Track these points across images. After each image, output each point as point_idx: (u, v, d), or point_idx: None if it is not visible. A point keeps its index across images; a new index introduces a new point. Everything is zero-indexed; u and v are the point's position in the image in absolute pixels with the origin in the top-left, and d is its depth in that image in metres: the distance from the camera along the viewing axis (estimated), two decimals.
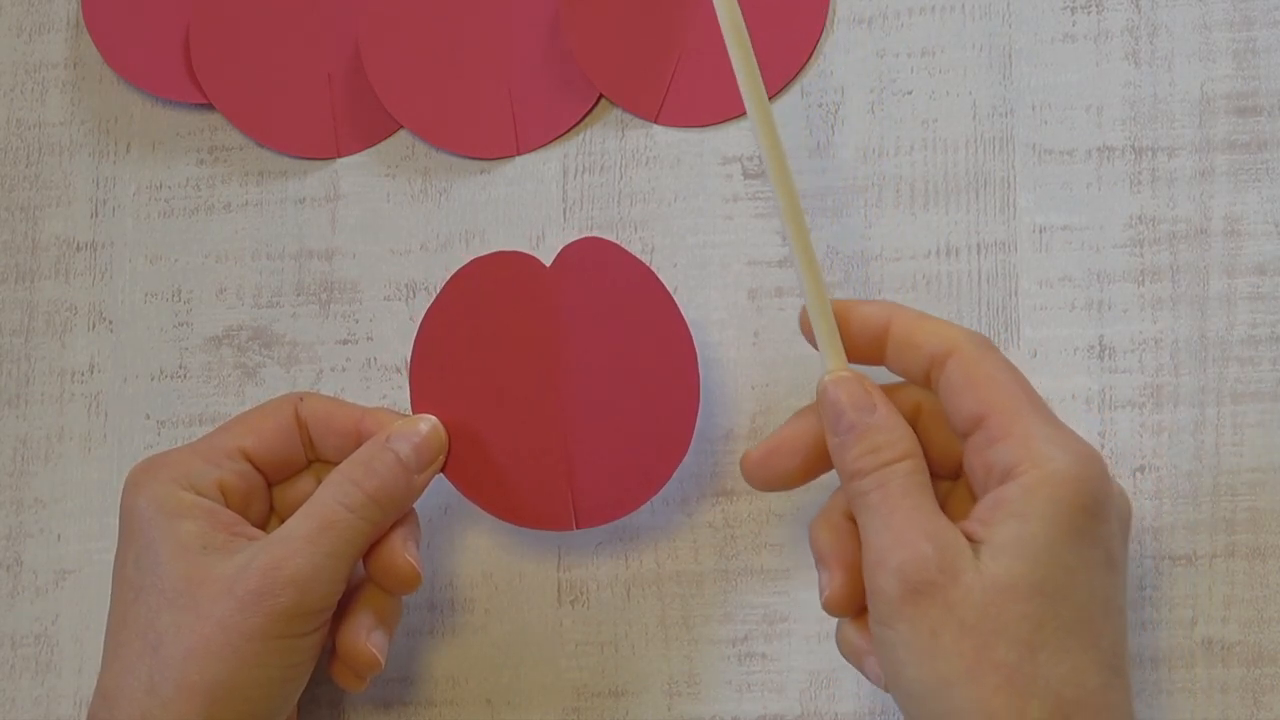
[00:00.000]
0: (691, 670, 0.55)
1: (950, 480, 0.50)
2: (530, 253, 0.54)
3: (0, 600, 0.59)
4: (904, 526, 0.46)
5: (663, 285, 0.53)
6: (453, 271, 0.54)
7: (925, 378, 0.49)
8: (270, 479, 0.54)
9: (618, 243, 0.53)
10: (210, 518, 0.51)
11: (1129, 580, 0.48)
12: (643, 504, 0.53)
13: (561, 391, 0.53)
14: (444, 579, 0.57)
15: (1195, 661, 0.53)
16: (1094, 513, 0.46)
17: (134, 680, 0.50)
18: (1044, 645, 0.45)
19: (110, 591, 0.52)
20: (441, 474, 0.54)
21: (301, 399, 0.54)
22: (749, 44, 0.49)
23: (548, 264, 0.54)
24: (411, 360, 0.54)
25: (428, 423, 0.53)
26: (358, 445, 0.53)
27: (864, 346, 0.50)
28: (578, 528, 0.53)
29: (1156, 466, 0.54)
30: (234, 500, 0.53)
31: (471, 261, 0.54)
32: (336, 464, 0.53)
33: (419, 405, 0.54)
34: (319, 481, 0.54)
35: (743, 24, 0.49)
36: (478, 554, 0.57)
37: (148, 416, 0.59)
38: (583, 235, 0.55)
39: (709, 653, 0.55)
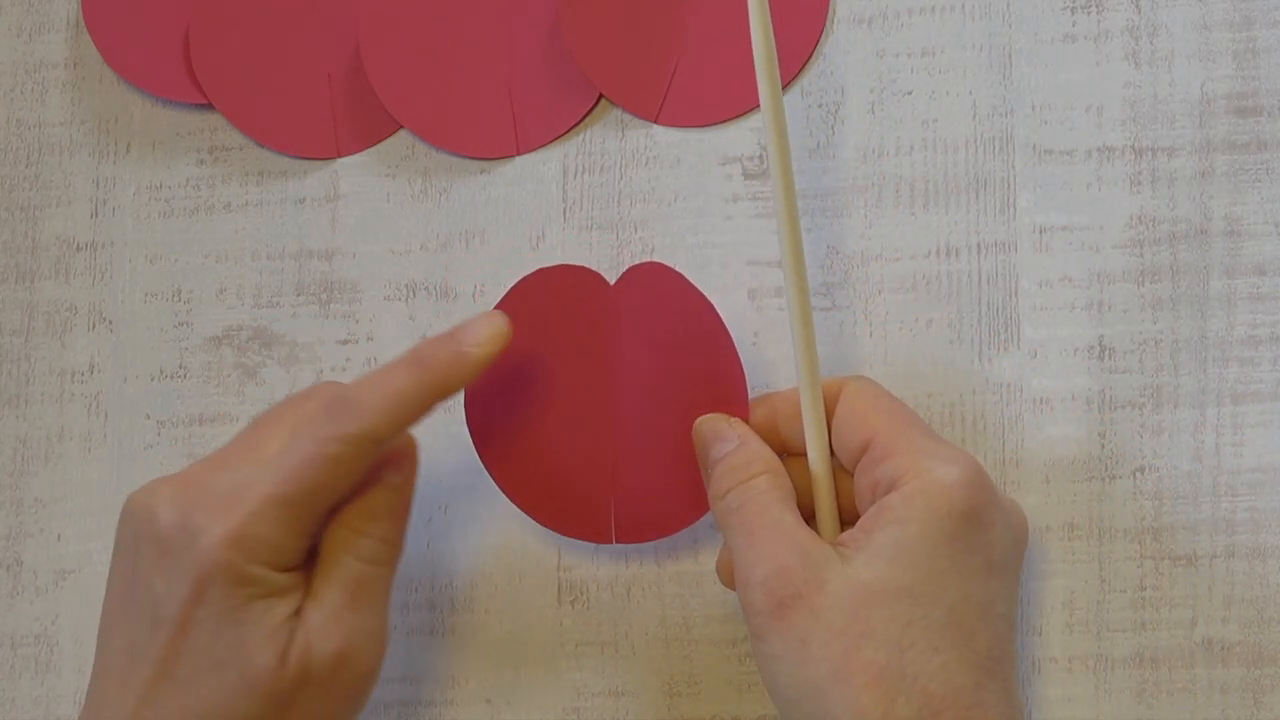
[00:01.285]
0: (691, 670, 0.55)
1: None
2: (596, 270, 0.54)
3: (0, 600, 0.59)
4: (765, 542, 0.48)
5: (719, 318, 0.53)
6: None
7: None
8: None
9: (680, 272, 0.53)
10: (289, 591, 0.49)
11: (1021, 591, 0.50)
12: (684, 527, 0.54)
13: (613, 408, 0.53)
14: (444, 579, 0.57)
15: (1195, 661, 0.53)
16: (972, 520, 0.47)
17: None
18: (913, 644, 0.46)
19: (133, 601, 0.49)
20: (486, 473, 0.54)
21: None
22: (776, 61, 0.51)
23: (611, 282, 0.54)
24: None
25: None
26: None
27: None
28: (616, 542, 0.54)
29: (1156, 466, 0.54)
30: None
31: (537, 271, 0.54)
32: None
33: (472, 406, 0.54)
34: None
35: (772, 37, 0.51)
36: (478, 554, 0.57)
37: (148, 416, 0.59)
38: (645, 259, 0.54)
39: (709, 653, 0.55)
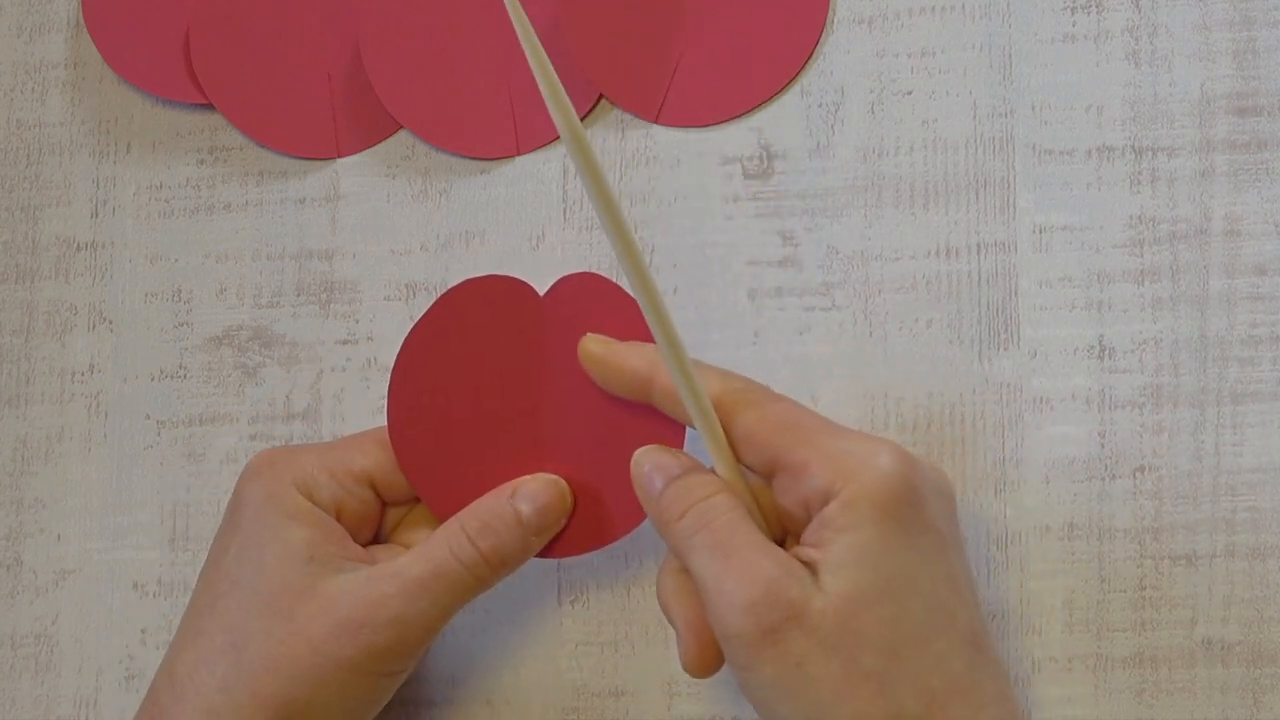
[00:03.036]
0: None
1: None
2: (524, 279, 0.53)
3: (0, 600, 0.59)
4: (743, 564, 0.46)
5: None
6: (449, 277, 0.54)
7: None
8: (387, 502, 0.53)
9: (615, 281, 0.52)
10: (323, 528, 0.51)
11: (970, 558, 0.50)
12: (617, 539, 0.53)
13: (542, 422, 0.53)
14: None
15: (1195, 661, 0.53)
16: (913, 502, 0.47)
17: (209, 674, 0.49)
18: (905, 642, 0.46)
19: (199, 575, 0.52)
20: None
21: None
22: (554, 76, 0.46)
23: (541, 292, 0.53)
24: (393, 374, 0.53)
25: (557, 487, 0.52)
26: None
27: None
28: (548, 557, 0.53)
29: (1156, 466, 0.54)
30: (347, 522, 0.52)
31: (464, 282, 0.53)
32: None
33: (395, 417, 0.53)
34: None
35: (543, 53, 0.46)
36: None
37: (148, 416, 0.59)
38: (580, 269, 0.54)
39: None
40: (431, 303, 0.53)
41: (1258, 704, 0.52)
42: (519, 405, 0.53)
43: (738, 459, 0.49)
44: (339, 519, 0.52)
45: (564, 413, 0.53)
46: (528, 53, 0.45)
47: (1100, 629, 0.53)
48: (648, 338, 0.50)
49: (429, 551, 0.51)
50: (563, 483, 0.52)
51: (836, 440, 0.48)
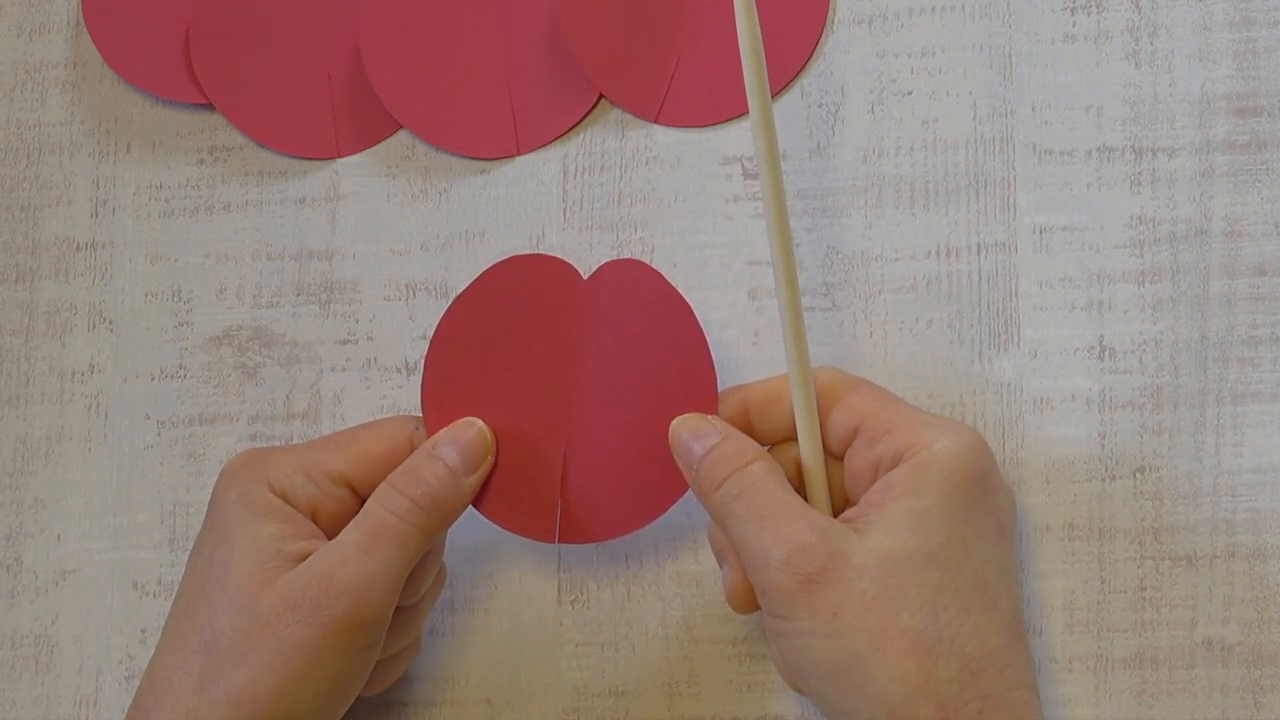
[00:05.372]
0: (691, 670, 0.55)
1: None
2: (572, 264, 0.53)
3: (0, 600, 0.59)
4: (779, 524, 0.48)
5: (694, 317, 0.52)
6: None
7: (793, 428, 0.51)
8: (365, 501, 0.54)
9: (658, 269, 0.53)
10: (292, 524, 0.51)
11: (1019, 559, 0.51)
12: (630, 532, 0.53)
13: (572, 405, 0.53)
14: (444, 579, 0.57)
15: (1195, 662, 0.53)
16: (983, 484, 0.48)
17: (184, 676, 0.50)
18: (946, 608, 0.46)
19: (182, 574, 0.52)
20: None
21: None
22: (764, 64, 0.50)
23: (585, 276, 0.53)
24: (431, 341, 0.53)
25: (473, 426, 0.53)
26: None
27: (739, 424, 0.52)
28: (558, 542, 0.53)
29: (1156, 466, 0.54)
30: (324, 523, 0.52)
31: (509, 258, 0.53)
32: None
33: (430, 392, 0.53)
34: None
35: (760, 40, 0.50)
36: (478, 554, 0.57)
37: (148, 416, 0.59)
38: (621, 255, 0.54)
39: (709, 653, 0.55)
40: (477, 275, 0.53)
41: (1258, 704, 0.52)
42: (549, 385, 0.53)
43: (823, 433, 0.51)
44: (315, 519, 0.52)
45: (594, 396, 0.53)
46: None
47: (1100, 629, 0.53)
48: (683, 324, 0.52)
49: (364, 516, 0.51)
50: (479, 422, 0.53)
51: (920, 414, 0.50)
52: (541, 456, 0.53)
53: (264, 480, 0.51)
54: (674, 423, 0.52)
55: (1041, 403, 0.54)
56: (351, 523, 0.51)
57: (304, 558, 0.50)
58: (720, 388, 0.53)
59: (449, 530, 0.53)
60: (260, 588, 0.50)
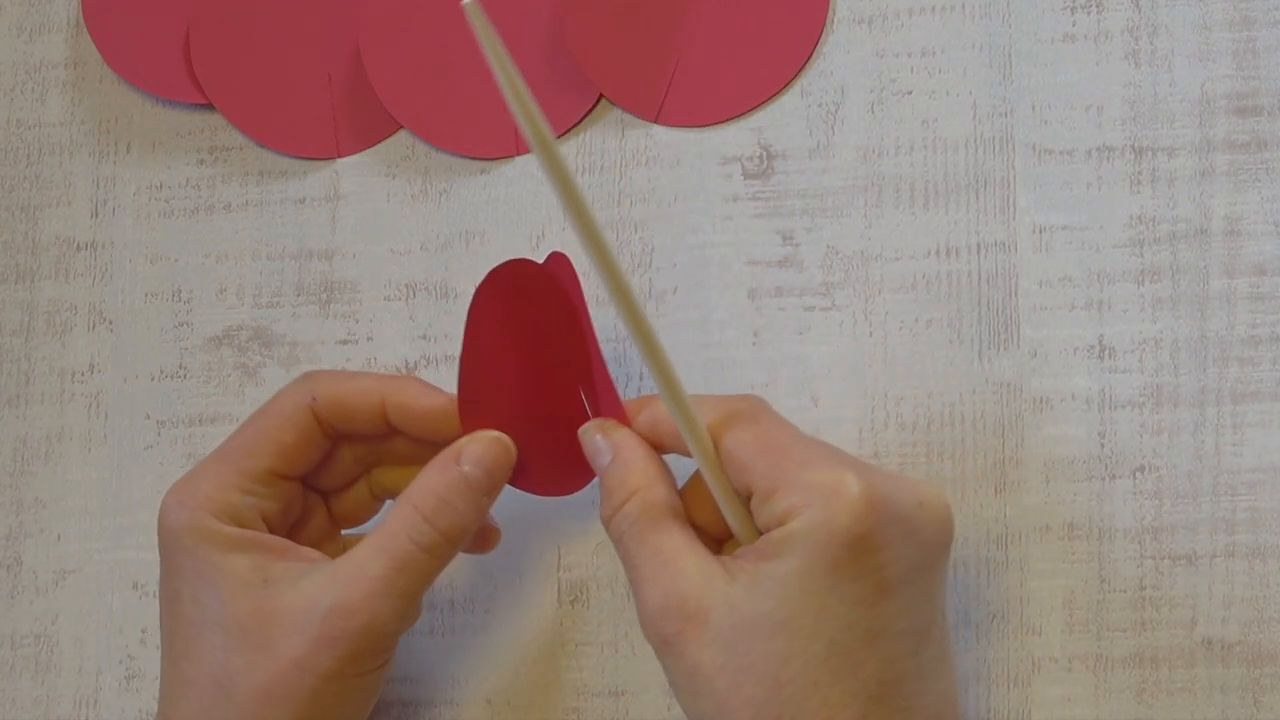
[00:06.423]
0: None
1: None
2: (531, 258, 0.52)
3: (0, 600, 0.59)
4: (646, 577, 0.48)
5: (584, 318, 0.50)
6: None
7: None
8: (313, 483, 0.53)
9: (540, 267, 0.51)
10: (261, 549, 0.50)
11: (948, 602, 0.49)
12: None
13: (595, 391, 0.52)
14: (444, 579, 0.56)
15: (1195, 661, 0.53)
16: (857, 547, 0.46)
17: None
18: (790, 680, 0.46)
19: (160, 623, 0.51)
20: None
21: (314, 397, 0.51)
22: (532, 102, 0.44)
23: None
24: (466, 324, 0.51)
25: (499, 442, 0.51)
26: (385, 421, 0.52)
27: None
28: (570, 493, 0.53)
29: (1156, 466, 0.54)
30: (280, 527, 0.52)
31: (509, 262, 0.51)
32: (367, 440, 0.52)
33: (465, 379, 0.51)
34: (368, 477, 0.54)
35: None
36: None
37: (148, 416, 0.59)
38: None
39: None
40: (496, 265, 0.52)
41: (1258, 704, 0.52)
42: (571, 381, 0.52)
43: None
44: (270, 527, 0.51)
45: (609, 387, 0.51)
46: (495, 70, 0.43)
47: (1100, 629, 0.53)
48: (573, 327, 0.50)
49: (387, 544, 0.50)
50: (504, 437, 0.51)
51: (806, 471, 0.47)
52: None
53: (207, 512, 0.50)
54: (580, 430, 0.51)
55: (1041, 402, 0.54)
56: (373, 546, 0.50)
57: (291, 577, 0.50)
58: (720, 388, 0.53)
59: None
60: (267, 622, 0.49)
